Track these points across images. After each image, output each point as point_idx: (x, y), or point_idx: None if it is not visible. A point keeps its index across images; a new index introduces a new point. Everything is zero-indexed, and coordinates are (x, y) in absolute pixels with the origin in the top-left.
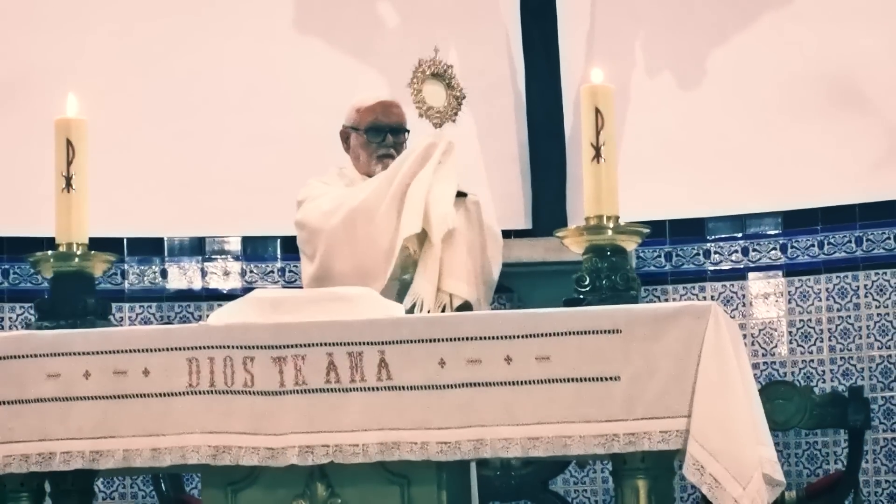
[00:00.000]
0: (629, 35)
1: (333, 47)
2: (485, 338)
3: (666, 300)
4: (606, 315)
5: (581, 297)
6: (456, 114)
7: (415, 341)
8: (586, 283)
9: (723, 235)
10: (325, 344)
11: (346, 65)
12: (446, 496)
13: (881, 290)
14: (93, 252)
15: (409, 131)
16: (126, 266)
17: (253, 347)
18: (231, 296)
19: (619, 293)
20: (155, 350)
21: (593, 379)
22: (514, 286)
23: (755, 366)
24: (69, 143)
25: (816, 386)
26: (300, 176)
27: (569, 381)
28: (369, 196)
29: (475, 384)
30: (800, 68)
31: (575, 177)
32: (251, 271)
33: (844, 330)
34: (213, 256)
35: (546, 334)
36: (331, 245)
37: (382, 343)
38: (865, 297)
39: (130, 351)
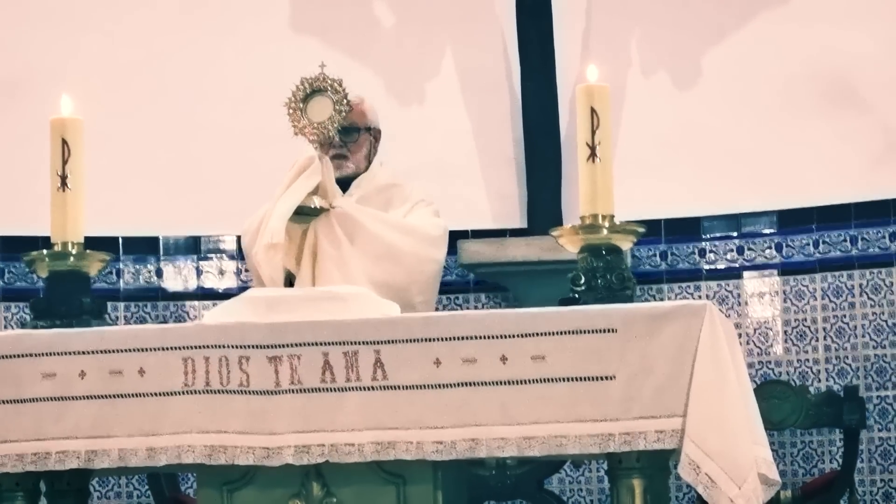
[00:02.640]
0: (625, 34)
1: (329, 46)
2: (480, 337)
3: (661, 299)
4: (602, 314)
5: (576, 296)
6: (338, 127)
7: (410, 341)
8: (582, 282)
9: (718, 234)
10: (321, 343)
11: (342, 64)
12: (442, 496)
13: (876, 290)
14: (88, 251)
15: (370, 129)
16: (121, 265)
17: (248, 347)
18: (226, 295)
19: (615, 292)
20: (150, 349)
21: (589, 378)
22: (510, 285)
23: (750, 365)
24: (64, 142)
25: (812, 385)
26: None
27: (564, 380)
28: (265, 214)
29: (471, 384)
30: (795, 67)
31: (570, 176)
32: (246, 270)
33: (840, 329)
34: (209, 255)
35: (541, 334)
36: (248, 262)
37: (378, 342)
38: (861, 296)
39: (126, 350)
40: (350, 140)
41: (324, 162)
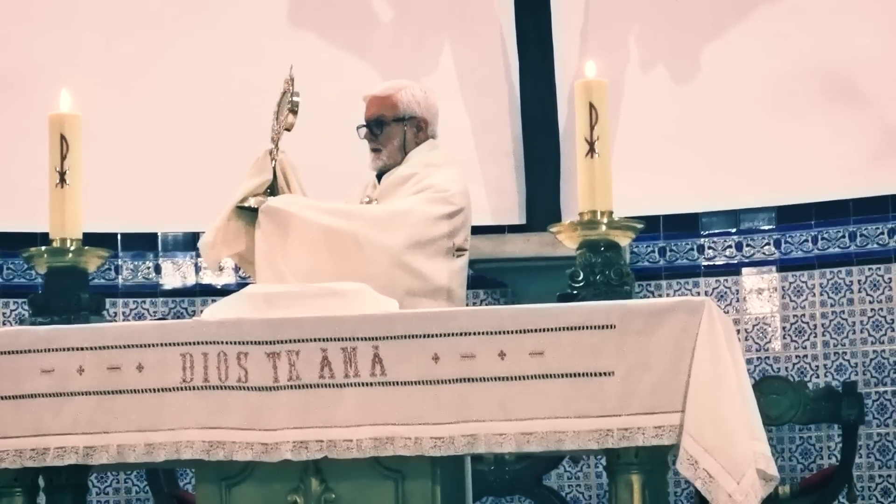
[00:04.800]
0: (623, 30)
1: (328, 43)
2: (478, 333)
3: (660, 295)
4: (600, 310)
5: (575, 292)
6: (286, 126)
7: (409, 337)
8: (580, 278)
9: (716, 231)
10: (319, 339)
11: (340, 60)
12: (440, 491)
13: (875, 285)
14: (86, 247)
15: (402, 120)
16: (120, 261)
17: (247, 343)
18: (225, 291)
19: (613, 288)
20: (149, 345)
21: (587, 374)
22: (508, 281)
23: (749, 361)
24: (63, 138)
25: (810, 381)
26: None
27: (563, 376)
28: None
29: (469, 379)
30: (794, 63)
31: (569, 172)
32: None
33: (838, 325)
34: None
35: (540, 329)
36: None
37: (376, 338)
38: (859, 292)
39: (124, 346)
40: (379, 132)
41: (279, 161)
